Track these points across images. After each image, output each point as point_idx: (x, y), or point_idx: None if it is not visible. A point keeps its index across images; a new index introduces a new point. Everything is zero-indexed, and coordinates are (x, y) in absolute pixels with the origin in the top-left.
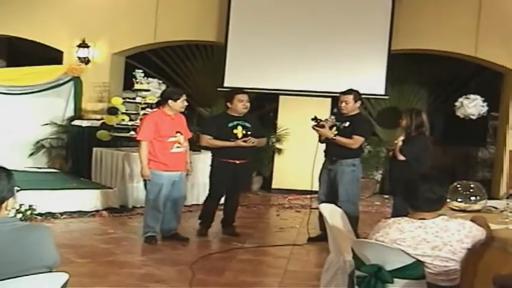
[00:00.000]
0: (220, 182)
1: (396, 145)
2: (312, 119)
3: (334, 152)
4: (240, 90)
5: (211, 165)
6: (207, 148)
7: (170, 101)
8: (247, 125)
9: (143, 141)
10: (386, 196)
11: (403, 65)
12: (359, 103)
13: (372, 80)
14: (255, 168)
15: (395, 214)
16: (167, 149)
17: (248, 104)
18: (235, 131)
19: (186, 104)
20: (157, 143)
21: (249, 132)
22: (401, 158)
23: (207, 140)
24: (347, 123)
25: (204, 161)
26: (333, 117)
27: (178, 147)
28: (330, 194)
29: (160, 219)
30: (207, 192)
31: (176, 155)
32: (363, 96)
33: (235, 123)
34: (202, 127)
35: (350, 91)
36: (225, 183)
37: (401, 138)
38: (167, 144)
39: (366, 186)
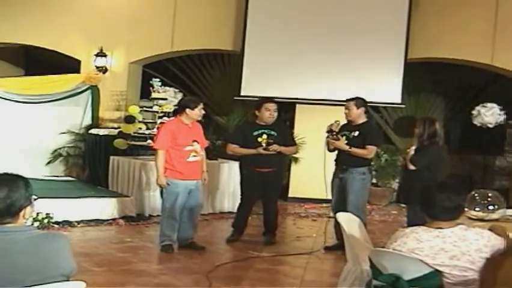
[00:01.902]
0: (249, 190)
1: (407, 154)
2: (328, 132)
3: (344, 161)
4: (268, 99)
5: (241, 174)
6: (234, 157)
7: (187, 110)
8: (273, 133)
9: (160, 149)
10: (403, 205)
11: (420, 74)
12: (362, 110)
13: (389, 88)
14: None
15: (411, 223)
16: (184, 158)
17: (275, 114)
18: (259, 139)
19: (203, 112)
20: (173, 151)
21: (271, 141)
22: (411, 167)
23: (232, 148)
24: (356, 133)
25: (229, 170)
26: (338, 121)
27: (194, 155)
28: (342, 202)
29: (176, 228)
30: (229, 200)
31: (193, 164)
32: (379, 104)
33: (260, 131)
34: (229, 135)
35: (352, 98)
36: (255, 191)
37: (413, 147)
38: (184, 153)
39: (382, 195)
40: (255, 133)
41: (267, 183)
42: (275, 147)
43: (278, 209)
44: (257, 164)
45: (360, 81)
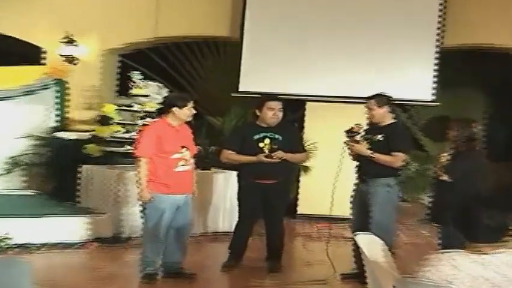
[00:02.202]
0: (248, 206)
1: (440, 162)
2: (347, 132)
3: (366, 170)
4: (271, 96)
5: (238, 186)
6: (231, 166)
7: (175, 109)
8: (277, 137)
9: (143, 157)
10: (436, 224)
11: (456, 64)
12: (386, 109)
13: (418, 83)
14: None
15: (445, 246)
16: (171, 168)
17: (280, 114)
18: (261, 144)
19: (194, 112)
20: (158, 160)
21: (274, 146)
22: (445, 178)
23: (227, 155)
24: (380, 136)
25: (225, 182)
26: (361, 125)
27: (183, 165)
28: (364, 221)
29: (161, 252)
30: (224, 218)
31: (182, 175)
32: (406, 102)
33: (262, 135)
34: (225, 140)
35: (372, 96)
36: (256, 207)
37: (447, 153)
38: (171, 161)
39: (411, 211)
40: (256, 137)
41: (270, 198)
42: (280, 154)
43: (284, 228)
44: (258, 174)
45: (383, 73)
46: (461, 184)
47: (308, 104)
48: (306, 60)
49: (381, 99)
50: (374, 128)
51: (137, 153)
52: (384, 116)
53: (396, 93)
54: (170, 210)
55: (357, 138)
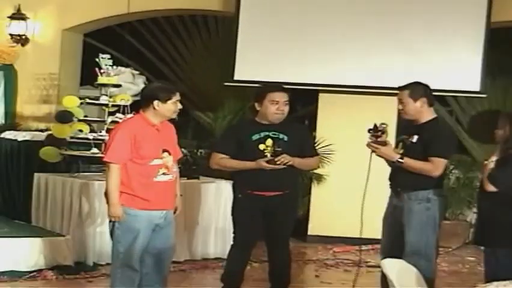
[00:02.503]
0: (245, 225)
1: (485, 168)
2: (370, 130)
3: (399, 181)
4: (274, 86)
5: (233, 200)
6: (225, 174)
7: (156, 103)
8: (282, 137)
9: (115, 164)
10: (483, 247)
11: (510, 46)
12: (422, 102)
13: (461, 69)
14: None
15: (492, 275)
16: (150, 177)
17: (286, 108)
18: (261, 146)
19: (180, 107)
20: (134, 167)
21: (278, 149)
22: (491, 188)
23: (217, 160)
24: (415, 138)
25: (217, 195)
26: (385, 125)
27: (165, 173)
28: (397, 244)
29: (136, 282)
30: (216, 241)
31: (162, 186)
32: (447, 94)
33: (262, 135)
34: (216, 141)
35: (405, 85)
36: (255, 227)
37: (494, 158)
38: (149, 169)
39: (453, 232)
40: (255, 137)
41: (273, 214)
42: (285, 158)
43: (291, 253)
44: (258, 184)
45: (418, 58)
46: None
47: (322, 95)
48: (320, 41)
49: (417, 89)
50: (408, 126)
51: (108, 158)
52: (421, 112)
53: (434, 83)
54: (147, 231)
55: (383, 138)
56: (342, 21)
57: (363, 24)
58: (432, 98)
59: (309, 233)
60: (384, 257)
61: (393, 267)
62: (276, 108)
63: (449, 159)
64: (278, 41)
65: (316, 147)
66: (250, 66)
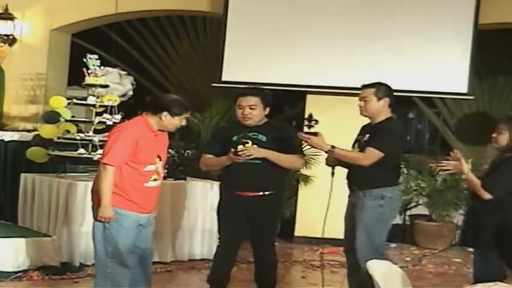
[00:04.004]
0: (230, 225)
1: (470, 179)
2: (305, 120)
3: (354, 179)
4: (242, 90)
5: (219, 201)
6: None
7: (165, 114)
8: (261, 137)
9: (111, 166)
10: (470, 249)
11: (497, 48)
12: (384, 102)
13: (449, 71)
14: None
15: (481, 277)
16: (142, 182)
17: (254, 113)
18: (240, 147)
19: (184, 123)
20: (129, 170)
21: (247, 141)
22: (487, 196)
23: (204, 159)
24: (367, 136)
25: (203, 195)
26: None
27: (155, 179)
28: (354, 240)
29: (129, 278)
30: (203, 242)
31: (151, 191)
32: (434, 95)
33: (241, 135)
34: (206, 142)
35: (371, 84)
36: (239, 227)
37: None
38: (143, 174)
39: (439, 234)
40: (235, 138)
41: (256, 215)
42: (250, 150)
43: (276, 255)
44: (239, 184)
45: (406, 60)
46: (506, 203)
47: (309, 96)
48: (307, 42)
49: (382, 89)
50: (368, 127)
51: (107, 160)
52: (381, 111)
53: (421, 84)
54: (135, 230)
55: (314, 129)
56: (330, 23)
57: (351, 25)
58: (393, 100)
59: (295, 234)
60: (345, 251)
61: (379, 268)
62: (241, 112)
63: (385, 153)
64: (266, 43)
65: (304, 148)
66: (237, 67)
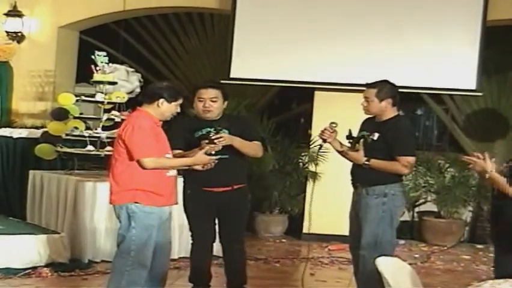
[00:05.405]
0: (198, 222)
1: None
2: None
3: (358, 176)
4: (203, 83)
5: (183, 197)
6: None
7: (161, 101)
8: (224, 131)
9: (148, 158)
10: (479, 246)
11: (507, 44)
12: (387, 103)
13: (457, 68)
14: (267, 200)
15: (503, 273)
16: (164, 172)
17: (215, 105)
18: (213, 135)
19: (178, 110)
20: None
21: (219, 127)
22: None
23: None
24: (376, 135)
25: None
26: (335, 123)
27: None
28: (357, 237)
29: (144, 279)
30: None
31: (173, 181)
32: (442, 92)
33: (204, 131)
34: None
35: (374, 83)
36: (207, 223)
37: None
38: None
39: (448, 230)
40: (198, 134)
41: (224, 211)
42: (224, 138)
43: (245, 252)
44: (206, 179)
45: (414, 57)
46: None
47: (318, 93)
48: (316, 39)
49: (385, 90)
50: (373, 123)
51: (140, 154)
52: (385, 111)
53: (429, 80)
54: (158, 228)
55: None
56: (339, 20)
57: (360, 22)
58: (398, 98)
59: (304, 231)
60: (351, 250)
61: (389, 265)
62: (202, 105)
63: (414, 155)
64: (274, 39)
65: (311, 146)
66: (246, 64)
